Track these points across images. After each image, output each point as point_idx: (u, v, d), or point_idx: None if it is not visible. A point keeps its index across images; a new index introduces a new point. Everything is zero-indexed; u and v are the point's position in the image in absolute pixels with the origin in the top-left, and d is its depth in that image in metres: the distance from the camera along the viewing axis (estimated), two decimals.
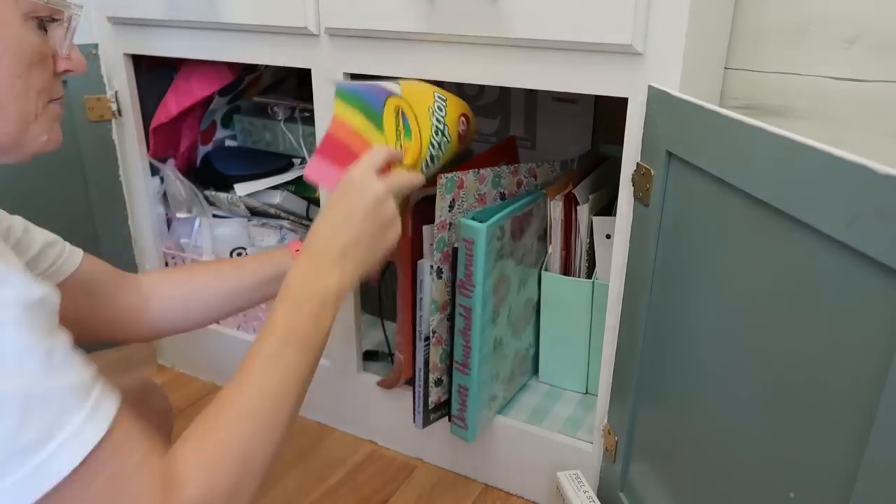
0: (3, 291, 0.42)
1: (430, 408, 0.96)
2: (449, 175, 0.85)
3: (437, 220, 0.86)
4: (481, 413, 0.95)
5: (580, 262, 1.01)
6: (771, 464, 0.58)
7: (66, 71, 0.57)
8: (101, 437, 0.43)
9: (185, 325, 0.83)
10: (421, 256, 0.90)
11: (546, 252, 1.03)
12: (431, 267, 0.88)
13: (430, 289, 0.89)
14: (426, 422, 0.97)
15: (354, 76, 0.93)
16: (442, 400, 0.97)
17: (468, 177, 0.89)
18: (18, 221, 0.71)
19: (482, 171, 0.91)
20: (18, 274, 0.45)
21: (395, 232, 0.68)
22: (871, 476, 0.47)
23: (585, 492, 0.87)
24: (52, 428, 0.41)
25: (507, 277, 0.93)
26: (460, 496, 1.01)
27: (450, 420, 0.97)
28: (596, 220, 0.98)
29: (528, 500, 1.00)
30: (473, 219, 0.86)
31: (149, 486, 0.45)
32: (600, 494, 0.91)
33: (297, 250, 0.82)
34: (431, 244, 0.88)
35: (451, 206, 0.87)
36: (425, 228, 0.88)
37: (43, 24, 0.54)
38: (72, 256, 0.75)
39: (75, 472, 0.42)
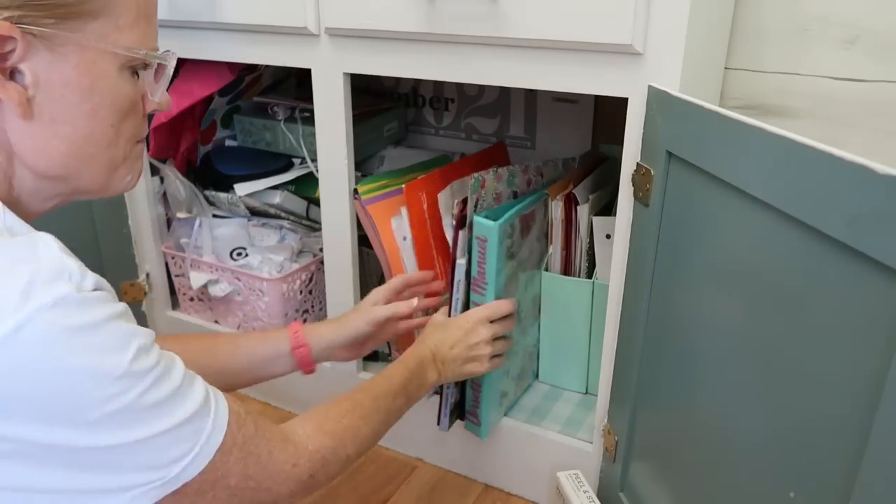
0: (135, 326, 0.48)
1: (451, 410, 0.96)
2: (476, 175, 0.87)
3: (466, 221, 0.88)
4: (493, 410, 0.96)
5: (580, 262, 1.01)
6: (771, 464, 0.58)
7: (154, 110, 0.58)
8: (223, 435, 0.52)
9: None
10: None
11: (546, 251, 1.03)
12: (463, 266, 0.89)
13: (463, 289, 0.90)
14: (451, 423, 0.97)
15: (354, 76, 0.93)
16: (457, 400, 0.97)
17: (489, 176, 0.90)
18: None
19: (500, 170, 0.92)
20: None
21: (479, 366, 0.86)
22: (871, 476, 0.47)
23: (585, 492, 0.87)
24: (191, 445, 0.50)
25: (517, 275, 0.94)
26: (460, 496, 1.01)
27: (462, 418, 0.97)
28: (596, 220, 0.98)
29: (528, 500, 1.00)
30: (486, 217, 0.87)
31: (272, 438, 0.58)
32: (600, 494, 0.91)
33: (296, 332, 0.84)
34: (463, 244, 0.89)
35: (477, 206, 0.89)
36: (461, 232, 0.89)
37: (136, 70, 0.54)
38: None
39: (210, 462, 0.51)
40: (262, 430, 0.57)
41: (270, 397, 1.22)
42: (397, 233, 1.00)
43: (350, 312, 0.89)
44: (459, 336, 0.84)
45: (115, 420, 0.45)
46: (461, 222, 0.88)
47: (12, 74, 0.48)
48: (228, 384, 0.83)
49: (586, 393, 1.07)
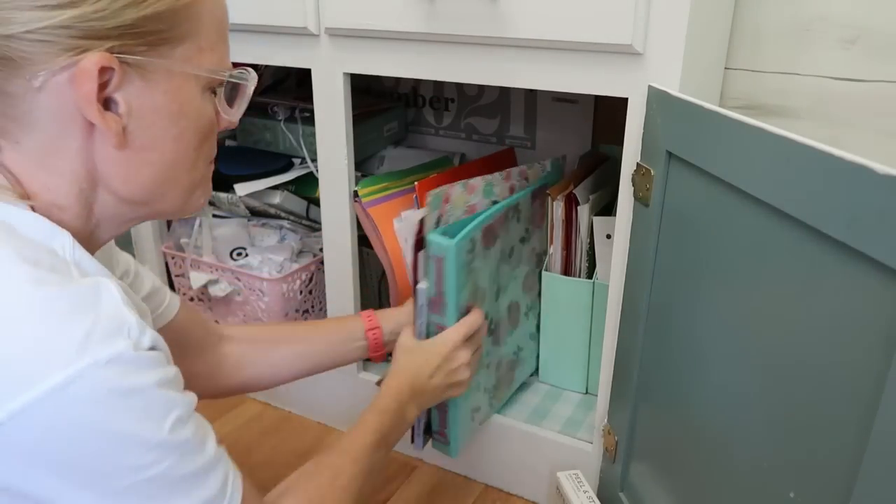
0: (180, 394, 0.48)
1: (425, 428, 0.93)
2: (435, 191, 0.82)
3: (424, 242, 0.82)
4: (464, 427, 0.92)
5: (580, 262, 1.01)
6: (771, 464, 0.58)
7: (224, 129, 0.58)
8: None
9: (262, 385, 0.87)
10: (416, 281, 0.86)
11: (532, 245, 1.03)
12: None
13: (426, 312, 0.85)
14: (425, 442, 0.94)
15: (354, 76, 0.93)
16: (428, 419, 0.93)
17: (455, 189, 0.85)
18: (131, 261, 0.71)
19: (472, 181, 0.87)
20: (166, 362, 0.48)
21: (460, 389, 0.84)
22: (871, 476, 0.47)
23: (585, 492, 0.87)
24: None
25: (483, 288, 0.89)
26: (460, 496, 1.01)
27: (431, 436, 0.93)
28: (596, 219, 0.98)
29: (528, 500, 1.00)
30: (443, 233, 0.81)
31: None
32: (600, 494, 0.91)
33: (369, 316, 0.87)
34: (423, 266, 0.84)
35: (438, 222, 0.84)
36: (420, 254, 0.84)
37: (213, 90, 0.54)
38: (171, 305, 0.75)
39: None
40: None
41: (271, 398, 1.22)
42: (400, 234, 0.99)
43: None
44: (438, 363, 0.81)
45: (141, 491, 0.44)
46: (419, 244, 0.82)
47: (107, 104, 0.47)
48: (307, 368, 0.86)
49: (586, 393, 1.07)
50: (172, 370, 0.47)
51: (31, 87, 0.45)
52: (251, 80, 0.57)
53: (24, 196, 0.48)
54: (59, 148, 0.47)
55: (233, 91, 0.56)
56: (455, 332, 0.82)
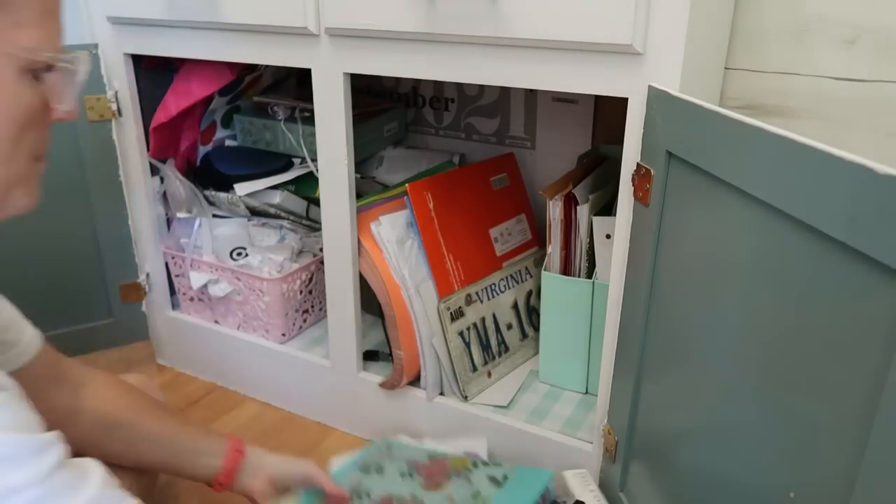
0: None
1: None
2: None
3: None
4: None
5: (580, 262, 1.01)
6: (771, 464, 0.58)
7: (60, 119, 0.51)
8: None
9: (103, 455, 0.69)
10: None
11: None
12: None
13: None
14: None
15: (354, 76, 0.93)
16: None
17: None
18: None
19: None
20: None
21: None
22: (871, 476, 0.47)
23: (592, 490, 0.87)
24: None
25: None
26: None
27: None
28: (596, 219, 0.98)
29: None
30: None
31: None
32: None
33: (238, 441, 0.80)
34: None
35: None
36: None
37: (37, 74, 0.47)
38: (29, 347, 0.68)
39: None
40: None
41: (271, 398, 1.22)
42: (379, 238, 1.00)
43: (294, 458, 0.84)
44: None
45: None
46: None
47: None
48: (148, 462, 0.77)
49: (586, 393, 1.07)
50: (13, 411, 0.42)
51: None
52: (81, 65, 0.49)
53: None
54: None
55: (64, 77, 0.49)
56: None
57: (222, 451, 0.78)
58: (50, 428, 0.53)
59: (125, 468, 0.74)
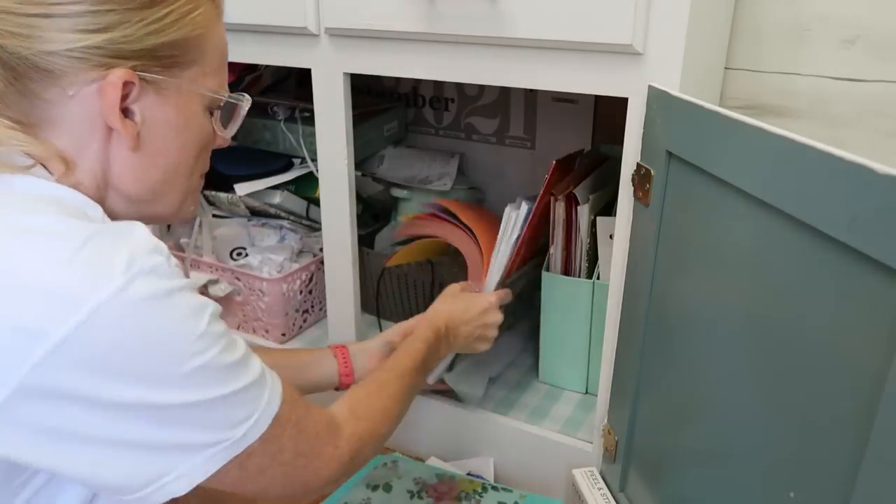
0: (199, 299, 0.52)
1: None
2: None
3: None
4: None
5: (580, 262, 1.01)
6: (771, 463, 0.58)
7: (219, 146, 0.66)
8: (278, 406, 0.56)
9: None
10: None
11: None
12: None
13: None
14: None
15: (354, 76, 0.93)
16: None
17: None
18: None
19: None
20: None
21: (484, 345, 0.93)
22: (871, 476, 0.47)
23: (600, 489, 0.87)
24: (252, 409, 0.54)
25: None
26: None
27: None
28: (599, 220, 0.98)
29: None
30: None
31: (319, 420, 0.64)
32: None
33: (342, 349, 0.89)
34: None
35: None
36: None
37: (213, 110, 0.62)
38: None
39: (269, 429, 0.55)
40: (311, 411, 0.63)
41: None
42: (508, 219, 0.97)
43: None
44: (475, 314, 0.90)
45: (196, 378, 0.50)
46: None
47: (126, 112, 0.55)
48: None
49: (586, 393, 1.07)
50: (191, 280, 0.57)
51: (66, 95, 0.53)
52: (245, 103, 0.65)
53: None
54: (83, 148, 0.55)
55: (228, 112, 0.64)
56: (494, 295, 0.93)
57: (333, 359, 0.88)
58: None
59: None
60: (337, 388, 0.88)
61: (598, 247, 1.00)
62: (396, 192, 1.23)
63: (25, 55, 0.51)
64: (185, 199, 0.64)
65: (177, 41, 0.56)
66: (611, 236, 0.96)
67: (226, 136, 0.66)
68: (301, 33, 0.92)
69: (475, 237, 1.03)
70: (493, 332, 0.92)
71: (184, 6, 0.56)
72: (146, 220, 0.60)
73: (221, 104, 0.62)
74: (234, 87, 1.20)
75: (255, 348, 0.87)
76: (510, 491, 0.92)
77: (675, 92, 0.68)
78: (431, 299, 1.19)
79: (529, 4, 0.75)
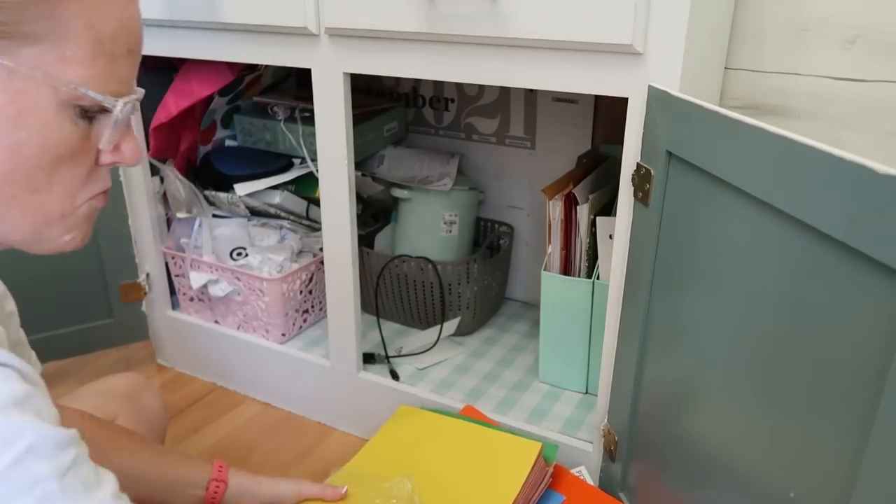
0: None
1: None
2: None
3: None
4: None
5: (580, 262, 1.01)
6: (771, 464, 0.58)
7: (113, 163, 0.51)
8: None
9: None
10: None
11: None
12: None
13: None
14: None
15: (354, 76, 0.93)
16: None
17: None
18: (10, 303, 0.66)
19: None
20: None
21: None
22: (871, 476, 0.47)
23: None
24: None
25: None
26: None
27: None
28: (599, 220, 0.98)
29: None
30: None
31: None
32: None
33: (220, 468, 0.79)
34: None
35: None
36: None
37: (87, 113, 0.47)
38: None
39: None
40: None
41: (271, 398, 1.22)
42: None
43: (279, 478, 0.84)
44: None
45: None
46: None
47: None
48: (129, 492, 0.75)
49: (586, 393, 1.07)
50: (20, 390, 0.41)
51: None
52: (119, 109, 0.48)
53: None
54: None
55: (107, 118, 0.48)
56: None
57: (204, 482, 0.77)
58: None
59: None
60: None
61: (597, 247, 1.00)
62: (396, 192, 1.23)
63: None
64: (49, 225, 0.48)
65: (6, 3, 0.42)
66: (611, 236, 0.96)
67: (100, 147, 0.48)
68: (301, 33, 0.92)
69: None
70: None
71: None
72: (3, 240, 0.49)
73: (87, 104, 0.46)
74: (233, 87, 1.21)
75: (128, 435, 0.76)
76: None
77: (675, 92, 0.68)
78: (431, 299, 1.20)
79: (529, 4, 0.75)
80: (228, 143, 1.32)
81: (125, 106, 0.48)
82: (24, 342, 0.68)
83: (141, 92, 0.51)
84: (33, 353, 0.68)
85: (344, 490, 0.83)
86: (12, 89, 0.43)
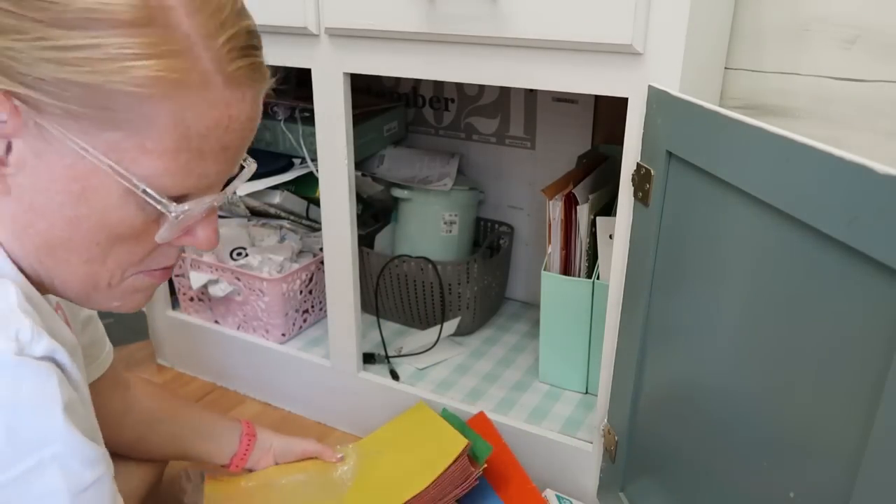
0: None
1: None
2: None
3: None
4: None
5: (580, 262, 1.01)
6: (771, 463, 0.58)
7: (182, 244, 0.51)
8: None
9: (147, 448, 0.84)
10: None
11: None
12: None
13: None
14: None
15: (354, 76, 0.93)
16: None
17: None
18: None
19: None
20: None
21: None
22: (871, 476, 0.47)
23: None
24: None
25: None
26: None
27: None
28: (600, 220, 0.98)
29: None
30: None
31: None
32: (600, 494, 0.91)
33: (248, 424, 0.90)
34: None
35: None
36: None
37: (150, 200, 0.46)
38: (105, 362, 0.77)
39: None
40: None
41: (271, 398, 1.22)
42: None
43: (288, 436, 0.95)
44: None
45: None
46: None
47: (9, 146, 0.43)
48: (174, 454, 0.87)
49: (586, 393, 1.07)
50: (65, 395, 0.42)
51: None
52: (175, 214, 0.46)
53: None
54: None
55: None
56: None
57: (237, 437, 0.88)
58: (106, 427, 0.55)
59: (135, 463, 0.82)
60: (223, 466, 0.89)
61: (597, 247, 1.00)
62: (396, 192, 1.23)
63: None
64: (96, 289, 0.49)
65: (92, 87, 0.41)
66: (610, 236, 0.96)
67: (159, 240, 0.48)
68: (301, 33, 0.92)
69: None
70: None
71: (122, 48, 0.40)
72: (54, 291, 0.50)
73: (148, 197, 0.45)
74: None
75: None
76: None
77: (675, 92, 0.68)
78: (431, 299, 1.20)
79: (529, 4, 0.75)
80: None
81: (184, 213, 0.47)
82: (102, 336, 0.77)
83: (234, 187, 0.51)
84: (107, 342, 0.77)
85: (340, 456, 0.94)
86: (80, 168, 0.43)
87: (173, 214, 0.46)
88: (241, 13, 0.46)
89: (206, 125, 0.44)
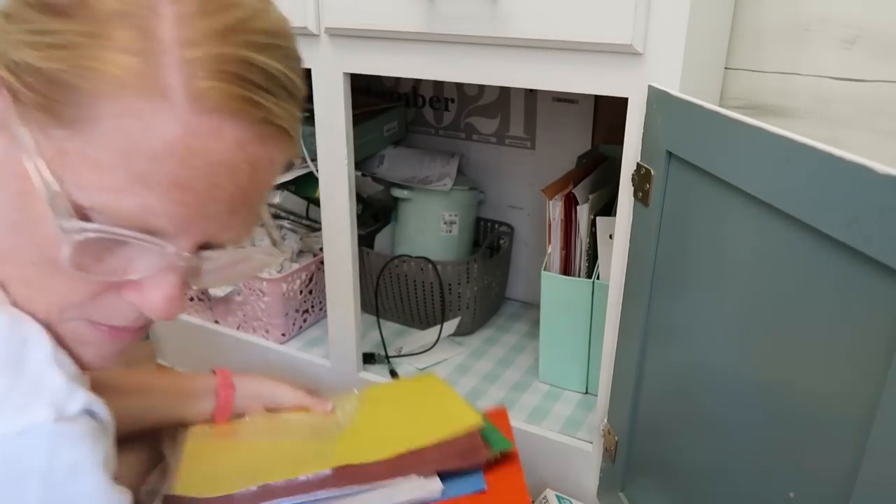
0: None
1: None
2: None
3: None
4: None
5: (580, 262, 1.01)
6: (771, 464, 0.58)
7: (132, 300, 0.43)
8: None
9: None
10: None
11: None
12: None
13: None
14: None
15: (354, 76, 0.93)
16: None
17: None
18: None
19: None
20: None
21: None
22: (871, 476, 0.47)
23: None
24: None
25: None
26: None
27: None
28: (600, 220, 0.98)
29: None
30: None
31: None
32: (600, 494, 0.91)
33: (223, 374, 0.79)
34: None
35: None
36: None
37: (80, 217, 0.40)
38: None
39: None
40: None
41: None
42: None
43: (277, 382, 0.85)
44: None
45: None
46: None
47: None
48: (151, 422, 0.76)
49: (586, 393, 1.07)
50: (103, 450, 0.40)
51: None
52: (66, 229, 0.38)
53: None
54: None
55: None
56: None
57: (212, 393, 0.77)
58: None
59: (135, 443, 0.76)
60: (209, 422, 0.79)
61: (597, 247, 1.00)
62: (396, 192, 1.23)
63: None
64: (47, 325, 0.42)
65: (49, 75, 0.36)
66: (610, 236, 0.96)
67: (62, 263, 0.38)
68: (301, 33, 0.92)
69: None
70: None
71: (83, 36, 0.36)
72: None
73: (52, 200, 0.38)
74: None
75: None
76: None
77: (675, 92, 0.68)
78: (431, 299, 1.20)
79: (530, 4, 0.75)
80: None
81: (82, 232, 0.38)
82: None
83: (202, 262, 0.43)
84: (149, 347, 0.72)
85: (330, 406, 0.84)
86: (17, 166, 0.38)
87: (64, 225, 0.37)
88: (271, 49, 0.41)
89: (154, 148, 0.37)
